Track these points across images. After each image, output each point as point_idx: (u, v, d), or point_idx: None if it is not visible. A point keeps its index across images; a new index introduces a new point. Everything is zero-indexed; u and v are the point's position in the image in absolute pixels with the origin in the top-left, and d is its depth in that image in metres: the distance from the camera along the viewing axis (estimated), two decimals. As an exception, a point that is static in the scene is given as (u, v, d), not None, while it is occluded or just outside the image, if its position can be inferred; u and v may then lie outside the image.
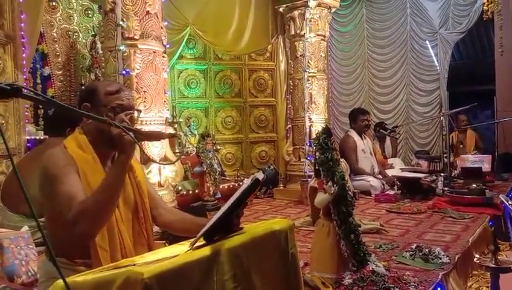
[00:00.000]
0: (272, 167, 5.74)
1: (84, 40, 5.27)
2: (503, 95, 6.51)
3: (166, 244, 2.30)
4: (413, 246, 2.75)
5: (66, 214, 1.41)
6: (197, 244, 1.27)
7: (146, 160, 3.18)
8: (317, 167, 2.34)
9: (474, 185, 4.26)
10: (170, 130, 3.81)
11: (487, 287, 2.66)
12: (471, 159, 5.60)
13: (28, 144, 3.73)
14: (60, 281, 1.11)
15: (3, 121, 3.32)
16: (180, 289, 1.08)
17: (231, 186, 4.72)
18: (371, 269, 2.14)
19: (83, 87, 1.96)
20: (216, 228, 1.30)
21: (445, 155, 5.24)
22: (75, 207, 1.39)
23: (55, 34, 5.06)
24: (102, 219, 1.43)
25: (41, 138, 3.90)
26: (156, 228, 2.20)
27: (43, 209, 1.54)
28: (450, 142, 5.51)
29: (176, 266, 1.09)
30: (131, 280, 1.01)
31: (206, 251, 1.20)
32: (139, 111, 1.77)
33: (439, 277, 2.30)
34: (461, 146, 6.43)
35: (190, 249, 1.24)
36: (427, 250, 2.64)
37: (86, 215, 1.38)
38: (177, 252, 1.23)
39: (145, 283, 0.99)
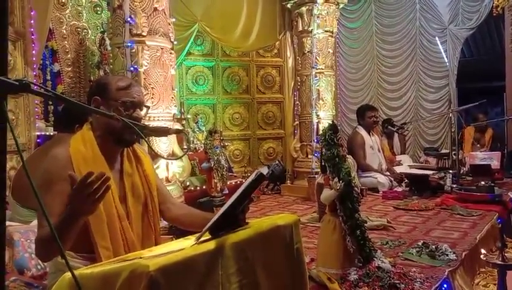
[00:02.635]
0: (278, 163, 5.75)
1: (93, 37, 5.30)
2: (513, 91, 6.45)
3: (174, 239, 2.33)
4: (420, 243, 2.74)
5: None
6: (203, 238, 1.28)
7: (154, 156, 3.20)
8: (323, 163, 2.35)
9: (482, 183, 4.23)
10: (177, 126, 3.83)
11: (494, 284, 2.65)
12: (480, 156, 5.56)
13: (38, 140, 3.77)
14: (68, 274, 1.13)
15: (13, 117, 3.36)
16: (185, 282, 1.10)
17: (238, 182, 4.73)
18: (376, 265, 2.14)
19: (94, 81, 1.99)
20: (222, 223, 1.32)
21: (453, 152, 5.21)
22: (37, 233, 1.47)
23: (64, 31, 5.10)
24: (47, 252, 1.45)
25: (51, 134, 3.95)
26: (163, 223, 2.23)
27: None
28: (459, 137, 5.47)
29: (181, 259, 1.10)
30: (137, 273, 1.03)
31: (212, 244, 1.21)
32: (148, 107, 1.79)
33: (446, 274, 2.29)
34: (477, 145, 6.37)
35: (196, 243, 1.25)
36: (433, 247, 2.63)
37: (36, 244, 1.46)
38: (183, 246, 1.24)
39: (151, 275, 1.00)
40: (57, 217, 1.42)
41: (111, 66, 3.88)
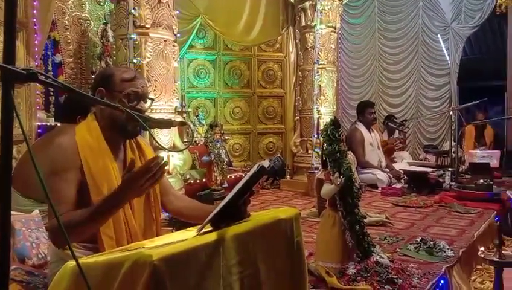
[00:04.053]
0: (278, 158, 5.75)
1: (95, 28, 5.28)
2: (514, 91, 6.46)
3: (174, 231, 2.34)
4: (418, 239, 2.76)
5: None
6: (205, 230, 1.29)
7: (155, 147, 3.21)
8: (324, 158, 2.36)
9: (481, 181, 4.25)
10: (180, 119, 3.84)
11: (490, 281, 2.67)
12: (479, 155, 5.57)
13: (39, 130, 3.78)
14: (70, 263, 1.15)
15: (15, 107, 3.36)
16: (187, 272, 1.11)
17: (238, 176, 4.75)
18: (375, 260, 2.17)
19: (98, 72, 2.00)
20: (224, 215, 1.33)
21: (453, 150, 5.23)
22: (52, 220, 1.48)
23: (66, 22, 5.08)
24: (71, 238, 1.44)
25: (52, 124, 3.96)
26: (163, 215, 2.24)
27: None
28: (459, 136, 5.48)
29: (184, 249, 1.12)
30: (141, 262, 1.04)
31: (213, 236, 1.22)
32: (152, 100, 1.80)
33: (443, 270, 2.32)
34: (477, 144, 6.38)
35: (197, 234, 1.27)
36: (431, 243, 2.66)
37: (53, 232, 1.48)
38: (185, 237, 1.26)
39: (154, 265, 1.02)
40: (70, 203, 1.47)
41: (113, 58, 3.88)
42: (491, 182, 4.32)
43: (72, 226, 1.39)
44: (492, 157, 5.46)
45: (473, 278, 2.79)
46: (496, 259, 2.15)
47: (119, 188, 1.41)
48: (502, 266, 2.15)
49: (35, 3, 3.74)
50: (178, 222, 2.51)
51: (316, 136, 5.37)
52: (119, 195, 1.41)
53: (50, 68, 4.88)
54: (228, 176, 4.41)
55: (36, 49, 3.80)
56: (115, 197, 1.41)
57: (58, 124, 3.66)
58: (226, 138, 4.88)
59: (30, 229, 2.21)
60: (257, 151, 6.69)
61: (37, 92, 4.02)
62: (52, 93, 4.71)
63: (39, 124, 3.82)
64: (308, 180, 5.05)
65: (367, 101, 6.08)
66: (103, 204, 1.41)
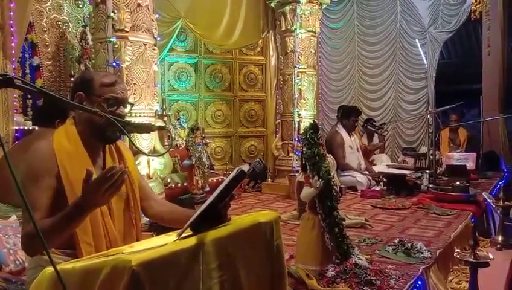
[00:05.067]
0: (259, 161, 5.80)
1: (74, 31, 5.22)
2: (489, 94, 6.63)
3: (154, 236, 2.33)
4: (396, 241, 2.81)
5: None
6: (185, 234, 1.30)
7: (135, 152, 3.19)
8: (304, 162, 2.39)
9: (458, 183, 4.34)
10: (160, 123, 3.83)
11: (467, 281, 2.73)
12: (456, 157, 5.70)
13: (17, 134, 3.72)
14: (49, 269, 1.14)
15: (-9, 111, 3.31)
16: (167, 277, 1.11)
17: (220, 179, 4.74)
18: (353, 261, 2.20)
19: (78, 76, 1.98)
20: (204, 220, 1.34)
21: (431, 153, 5.33)
22: (24, 228, 1.46)
23: (44, 24, 5.01)
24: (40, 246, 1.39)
25: (30, 128, 3.89)
26: (144, 220, 2.23)
27: None
28: (436, 139, 5.61)
29: (163, 254, 1.12)
30: (120, 268, 1.04)
31: (193, 240, 1.23)
32: (132, 104, 1.79)
33: (420, 271, 2.36)
34: (452, 145, 6.52)
35: (177, 239, 1.27)
36: (409, 245, 2.71)
37: (24, 239, 1.45)
38: (165, 242, 1.26)
39: (133, 270, 1.01)
40: (43, 211, 1.44)
41: (92, 61, 3.84)
42: (468, 184, 4.42)
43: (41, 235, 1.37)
44: (468, 160, 5.59)
45: (449, 278, 2.85)
46: (470, 260, 2.21)
47: (80, 199, 1.36)
48: (476, 266, 2.21)
49: (11, 5, 3.69)
50: (158, 227, 2.50)
51: (296, 139, 5.41)
52: (81, 206, 1.36)
53: (28, 71, 4.80)
54: (210, 180, 4.41)
55: (13, 51, 3.74)
56: (77, 208, 1.36)
57: (36, 128, 3.60)
58: (208, 141, 4.88)
59: (7, 235, 2.18)
60: (239, 155, 6.70)
61: (15, 95, 3.96)
62: (29, 97, 4.63)
63: (16, 128, 3.76)
64: (290, 183, 5.08)
65: (355, 108, 6.06)
66: (66, 215, 1.37)
